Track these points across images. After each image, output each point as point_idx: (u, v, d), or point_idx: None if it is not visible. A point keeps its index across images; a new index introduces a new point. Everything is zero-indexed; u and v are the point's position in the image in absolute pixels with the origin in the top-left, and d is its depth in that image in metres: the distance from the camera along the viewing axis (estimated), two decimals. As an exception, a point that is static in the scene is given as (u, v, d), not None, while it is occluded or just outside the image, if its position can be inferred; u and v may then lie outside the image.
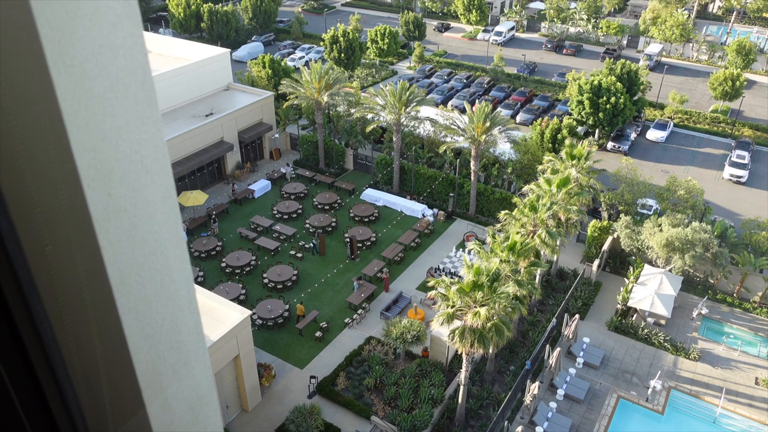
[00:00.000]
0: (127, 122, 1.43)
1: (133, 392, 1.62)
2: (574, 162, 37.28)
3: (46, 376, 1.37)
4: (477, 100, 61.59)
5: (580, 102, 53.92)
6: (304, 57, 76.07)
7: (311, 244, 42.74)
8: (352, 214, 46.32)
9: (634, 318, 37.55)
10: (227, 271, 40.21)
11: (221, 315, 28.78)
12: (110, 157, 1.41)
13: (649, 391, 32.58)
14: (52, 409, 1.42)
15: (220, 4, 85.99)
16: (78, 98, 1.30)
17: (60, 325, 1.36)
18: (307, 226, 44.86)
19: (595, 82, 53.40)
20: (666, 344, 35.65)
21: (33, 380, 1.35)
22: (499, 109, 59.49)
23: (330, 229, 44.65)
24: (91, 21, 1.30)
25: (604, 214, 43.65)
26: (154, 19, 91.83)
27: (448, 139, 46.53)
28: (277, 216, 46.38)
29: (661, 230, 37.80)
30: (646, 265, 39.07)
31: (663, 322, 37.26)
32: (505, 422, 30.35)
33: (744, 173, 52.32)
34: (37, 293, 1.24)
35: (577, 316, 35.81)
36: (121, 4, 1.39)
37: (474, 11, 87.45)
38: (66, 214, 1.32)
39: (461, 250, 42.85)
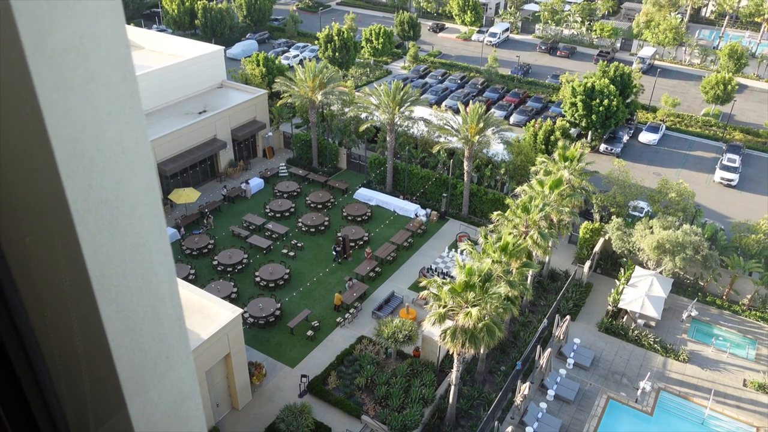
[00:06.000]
0: (109, 113, 1.42)
1: (114, 387, 1.61)
2: (566, 164, 37.39)
3: (25, 371, 1.36)
4: (471, 101, 61.65)
5: (574, 104, 54.09)
6: (298, 55, 75.95)
7: (334, 252, 41.66)
8: (344, 213, 46.27)
9: (624, 319, 37.72)
10: (219, 269, 40.08)
11: (212, 313, 28.69)
12: (91, 148, 1.40)
13: (639, 392, 32.74)
14: (30, 405, 1.41)
15: (215, 2, 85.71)
16: (57, 89, 1.29)
17: (39, 317, 1.35)
18: (300, 224, 44.78)
19: (589, 85, 53.59)
20: (656, 346, 35.83)
21: (11, 375, 1.33)
22: (492, 110, 59.62)
23: (323, 228, 44.59)
24: (72, 11, 1.29)
25: (596, 216, 43.82)
26: (148, 15, 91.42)
27: (442, 140, 46.54)
28: (269, 214, 46.26)
29: (652, 232, 37.99)
30: (637, 267, 39.24)
31: (653, 323, 37.43)
32: (496, 422, 30.42)
33: (735, 176, 52.68)
34: (15, 285, 1.23)
35: (568, 317, 35.93)
36: (103, -6, 1.39)
37: (469, 12, 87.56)
38: (45, 205, 1.31)
39: (454, 250, 42.91)
